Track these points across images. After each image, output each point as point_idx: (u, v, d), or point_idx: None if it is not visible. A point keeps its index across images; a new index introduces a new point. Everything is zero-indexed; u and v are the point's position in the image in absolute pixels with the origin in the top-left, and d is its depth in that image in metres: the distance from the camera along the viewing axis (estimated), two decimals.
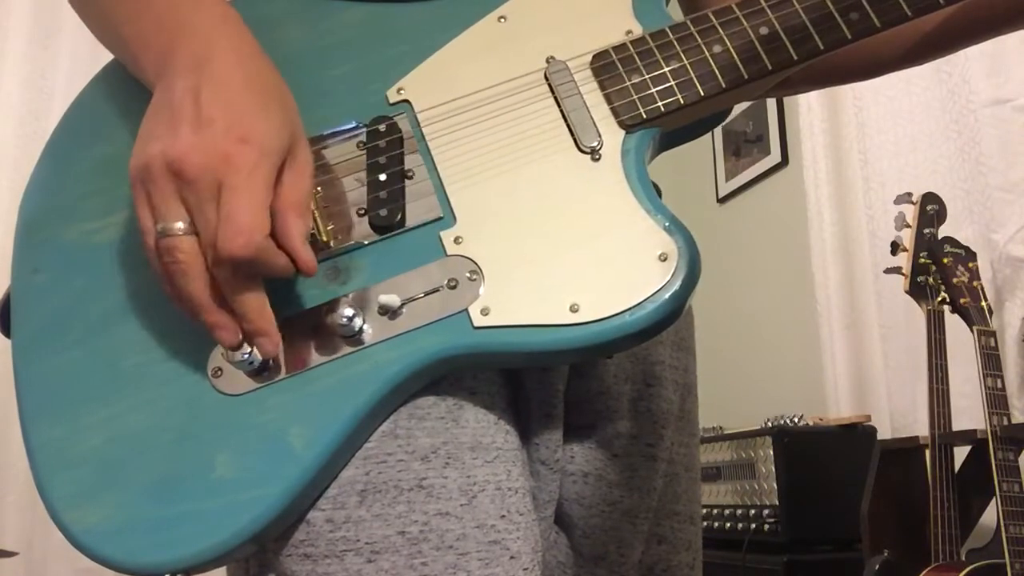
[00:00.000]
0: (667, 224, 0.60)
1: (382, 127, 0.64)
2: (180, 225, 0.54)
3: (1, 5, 2.57)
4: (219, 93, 0.56)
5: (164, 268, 0.55)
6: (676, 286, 0.58)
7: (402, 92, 0.65)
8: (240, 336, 0.57)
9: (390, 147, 0.63)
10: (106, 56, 0.70)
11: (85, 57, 2.47)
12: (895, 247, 1.89)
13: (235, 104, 0.56)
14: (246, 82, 0.57)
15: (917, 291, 1.83)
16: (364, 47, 0.67)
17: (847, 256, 2.46)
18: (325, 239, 0.61)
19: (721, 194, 3.29)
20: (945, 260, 1.78)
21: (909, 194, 1.90)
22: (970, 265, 1.78)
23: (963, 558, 1.66)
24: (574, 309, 0.58)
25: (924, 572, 1.64)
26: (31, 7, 2.59)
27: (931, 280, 1.81)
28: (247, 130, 0.55)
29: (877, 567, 1.73)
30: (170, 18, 0.60)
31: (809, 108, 2.59)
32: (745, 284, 3.08)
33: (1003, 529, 1.54)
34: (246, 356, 0.57)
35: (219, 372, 0.59)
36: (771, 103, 2.97)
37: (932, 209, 1.87)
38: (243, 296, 0.56)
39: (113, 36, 0.65)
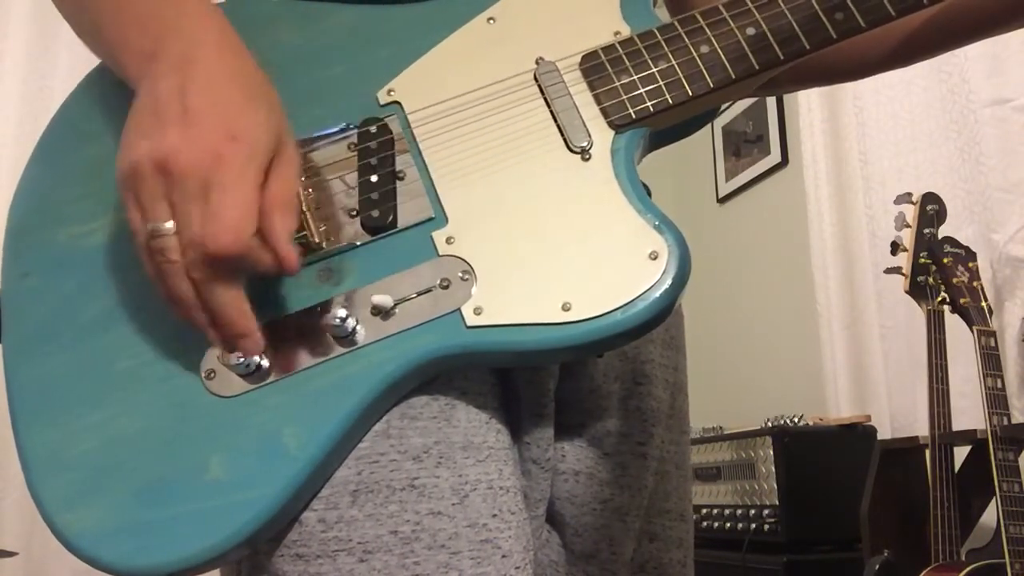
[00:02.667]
0: (657, 223, 0.60)
1: (373, 128, 0.64)
2: (171, 225, 0.54)
3: (1, 5, 2.57)
4: (206, 90, 0.55)
5: (157, 268, 0.55)
6: (667, 284, 0.58)
7: (392, 93, 0.66)
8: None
9: (381, 148, 0.63)
10: None
11: (85, 57, 2.46)
12: (895, 247, 1.88)
13: (222, 101, 0.55)
14: (232, 78, 0.57)
15: (917, 291, 1.83)
16: (354, 49, 0.67)
17: (847, 256, 2.46)
18: (317, 240, 0.61)
19: (721, 194, 3.29)
20: (945, 260, 1.77)
21: (909, 194, 1.90)
22: (970, 265, 1.78)
23: (963, 558, 1.66)
24: (566, 308, 0.58)
25: (924, 572, 1.64)
26: (31, 8, 2.59)
27: (931, 280, 1.81)
28: (236, 127, 0.54)
29: (877, 567, 1.73)
30: (152, 18, 0.60)
31: (809, 108, 2.59)
32: (745, 284, 3.08)
33: (1003, 529, 1.54)
34: (241, 359, 0.57)
35: (212, 374, 0.59)
36: (771, 104, 2.96)
37: (932, 209, 1.87)
38: (224, 296, 0.55)
39: (95, 36, 0.65)
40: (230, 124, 0.54)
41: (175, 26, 0.59)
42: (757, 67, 0.65)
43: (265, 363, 0.58)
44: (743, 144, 3.14)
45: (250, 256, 0.54)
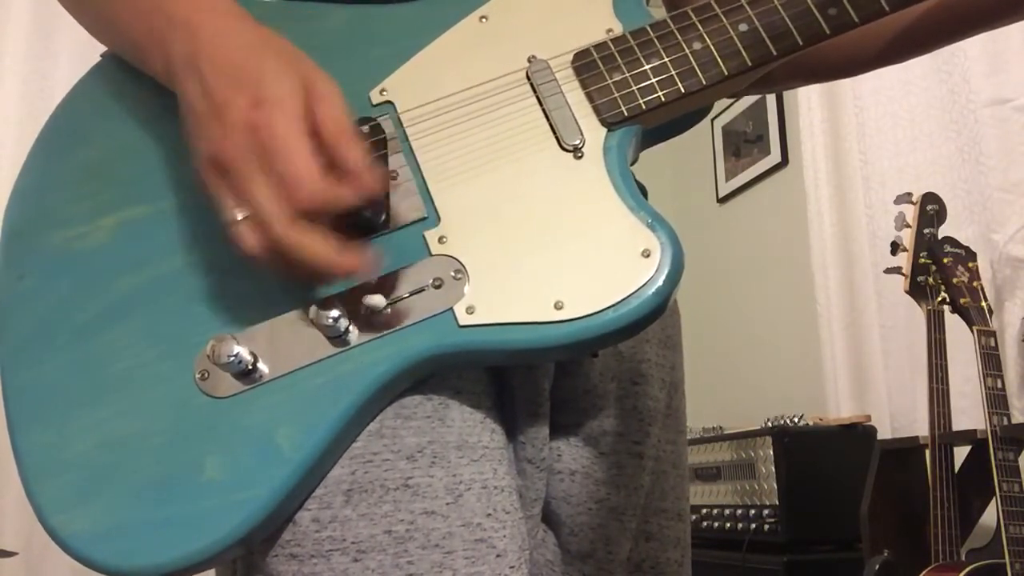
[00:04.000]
0: (649, 220, 0.60)
1: (365, 128, 0.64)
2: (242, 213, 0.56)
3: (1, 5, 2.58)
4: (220, 73, 0.57)
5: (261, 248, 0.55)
6: (660, 282, 0.58)
7: (385, 93, 0.65)
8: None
9: (374, 148, 0.63)
10: None
11: (85, 58, 2.46)
12: (895, 247, 1.88)
13: (236, 73, 0.56)
14: (238, 47, 0.58)
15: (917, 291, 1.83)
16: (347, 49, 0.67)
17: (847, 256, 2.46)
18: None
19: (721, 194, 3.29)
20: (945, 260, 1.77)
21: (909, 194, 1.90)
22: (970, 265, 1.78)
23: (963, 558, 1.66)
24: (559, 306, 0.58)
25: (924, 572, 1.64)
26: (31, 7, 2.60)
27: (931, 280, 1.81)
28: (257, 92, 0.55)
29: (877, 567, 1.73)
30: (155, 16, 0.61)
31: (809, 108, 2.59)
32: (745, 284, 3.08)
33: (1003, 529, 1.54)
34: (232, 358, 0.57)
35: (206, 375, 0.59)
36: (771, 104, 2.97)
37: (932, 209, 1.87)
38: (314, 245, 0.56)
39: (115, 40, 0.67)
40: (251, 90, 0.55)
41: (173, 19, 0.60)
42: (750, 63, 0.64)
43: (259, 363, 0.58)
44: (743, 144, 3.14)
45: (331, 197, 0.55)
